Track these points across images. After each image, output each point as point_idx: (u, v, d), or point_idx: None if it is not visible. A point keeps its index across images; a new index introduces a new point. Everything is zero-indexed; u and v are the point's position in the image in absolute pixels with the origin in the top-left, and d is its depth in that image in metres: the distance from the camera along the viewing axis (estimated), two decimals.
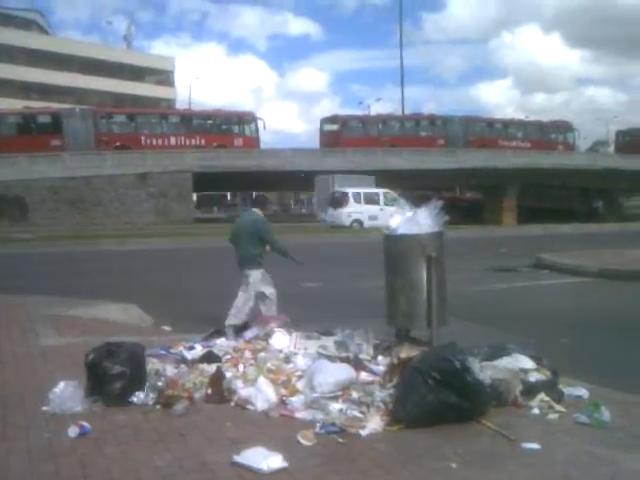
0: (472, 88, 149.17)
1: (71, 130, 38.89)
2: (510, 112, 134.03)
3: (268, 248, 7.84)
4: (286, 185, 49.44)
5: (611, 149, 65.37)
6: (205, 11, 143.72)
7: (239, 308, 7.71)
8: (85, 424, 3.95)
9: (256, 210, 8.38)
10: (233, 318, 7.64)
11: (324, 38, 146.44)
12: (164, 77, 74.76)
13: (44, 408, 4.34)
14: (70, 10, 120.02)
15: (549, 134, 53.27)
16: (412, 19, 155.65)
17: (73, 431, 3.88)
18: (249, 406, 4.39)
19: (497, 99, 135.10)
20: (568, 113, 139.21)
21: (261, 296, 7.73)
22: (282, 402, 4.40)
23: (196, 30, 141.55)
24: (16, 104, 45.13)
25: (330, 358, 5.05)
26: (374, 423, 4.02)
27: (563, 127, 54.79)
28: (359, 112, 60.11)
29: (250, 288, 7.75)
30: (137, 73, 70.52)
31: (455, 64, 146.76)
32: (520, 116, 61.41)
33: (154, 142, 41.31)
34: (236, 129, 44.68)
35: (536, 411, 4.27)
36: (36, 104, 46.36)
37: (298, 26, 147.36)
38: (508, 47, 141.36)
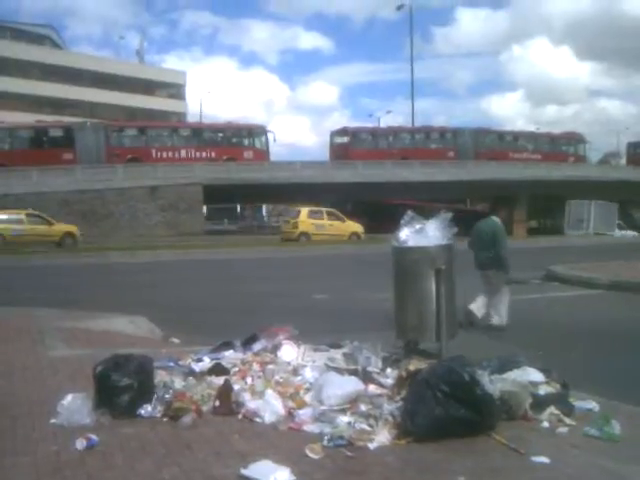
0: (482, 101, 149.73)
1: (83, 143, 39.20)
2: (521, 124, 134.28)
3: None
4: (296, 197, 49.51)
5: (623, 161, 65.17)
6: (216, 26, 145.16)
7: (497, 307, 8.90)
8: (93, 437, 3.94)
9: (494, 217, 9.31)
10: (497, 317, 8.83)
11: (334, 52, 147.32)
12: (175, 91, 75.32)
13: (52, 420, 4.33)
14: (83, 26, 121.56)
15: (560, 146, 53.20)
16: (422, 33, 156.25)
17: (81, 444, 3.87)
18: (257, 419, 4.36)
19: (508, 111, 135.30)
20: (579, 125, 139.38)
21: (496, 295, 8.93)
22: (290, 415, 4.38)
23: (208, 44, 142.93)
24: (29, 118, 45.53)
25: (338, 370, 5.02)
26: (382, 436, 3.99)
27: (574, 139, 54.66)
28: (369, 124, 60.26)
29: (494, 287, 8.95)
30: (149, 87, 71.08)
31: (465, 77, 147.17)
32: (531, 128, 61.50)
33: (165, 155, 41.57)
34: (246, 142, 44.87)
35: (546, 424, 4.22)
36: (48, 118, 46.68)
37: (309, 40, 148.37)
38: (518, 60, 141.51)
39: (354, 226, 35.87)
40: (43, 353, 6.75)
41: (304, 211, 35.10)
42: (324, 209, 36.32)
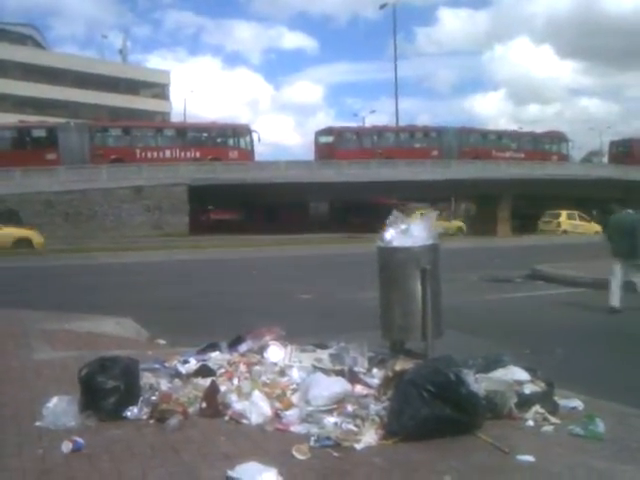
0: (465, 100, 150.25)
1: (66, 144, 38.91)
2: (503, 123, 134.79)
3: None
4: (281, 197, 49.50)
5: (605, 159, 65.61)
6: (200, 26, 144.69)
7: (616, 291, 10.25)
8: (79, 439, 3.92)
9: (631, 211, 10.98)
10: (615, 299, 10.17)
11: (318, 51, 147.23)
12: (159, 90, 74.96)
13: (37, 423, 4.31)
14: (66, 26, 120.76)
15: (543, 145, 53.48)
16: (405, 32, 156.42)
17: (66, 446, 3.84)
18: (244, 420, 4.36)
19: (490, 110, 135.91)
20: (561, 124, 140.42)
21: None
22: (277, 416, 4.38)
23: (191, 44, 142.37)
24: (11, 118, 45.11)
25: (325, 371, 5.03)
26: (369, 436, 4.00)
27: (557, 138, 54.99)
28: (354, 124, 60.31)
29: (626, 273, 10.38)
30: (132, 87, 70.68)
31: (448, 76, 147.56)
32: (513, 127, 61.73)
33: (149, 155, 41.36)
34: (231, 142, 44.76)
35: (531, 423, 4.25)
36: (31, 118, 46.33)
37: (292, 40, 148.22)
38: (500, 59, 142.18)
39: None
40: (28, 355, 6.70)
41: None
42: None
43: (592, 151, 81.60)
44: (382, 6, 58.17)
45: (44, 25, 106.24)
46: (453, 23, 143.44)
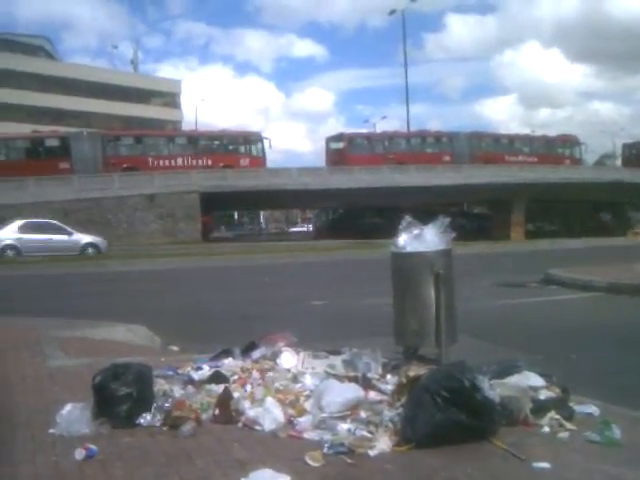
0: (476, 105, 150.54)
1: (79, 153, 39.23)
2: (515, 127, 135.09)
3: None
4: (293, 203, 49.58)
5: (618, 162, 65.30)
6: (210, 35, 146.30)
7: None
8: (92, 446, 3.91)
9: None
10: None
11: (328, 59, 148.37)
12: (170, 99, 75.44)
13: (51, 430, 4.31)
14: (77, 37, 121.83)
15: (556, 148, 53.29)
16: (413, 39, 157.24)
17: (80, 453, 3.84)
18: (257, 427, 4.34)
19: (501, 115, 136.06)
20: (573, 127, 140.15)
21: None
22: (290, 422, 4.36)
23: (202, 54, 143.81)
24: (25, 129, 45.50)
25: (338, 377, 5.01)
26: (383, 443, 3.97)
27: (569, 141, 54.77)
28: (365, 130, 60.34)
29: None
30: (144, 96, 71.14)
31: (458, 82, 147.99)
32: (525, 131, 61.57)
33: (161, 163, 41.59)
34: (242, 149, 44.94)
35: (546, 429, 4.20)
36: (44, 128, 46.69)
37: (302, 48, 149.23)
38: (510, 64, 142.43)
39: None
40: (42, 363, 6.72)
41: None
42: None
43: (605, 154, 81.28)
44: (391, 12, 58.43)
45: (56, 37, 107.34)
46: (461, 29, 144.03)
